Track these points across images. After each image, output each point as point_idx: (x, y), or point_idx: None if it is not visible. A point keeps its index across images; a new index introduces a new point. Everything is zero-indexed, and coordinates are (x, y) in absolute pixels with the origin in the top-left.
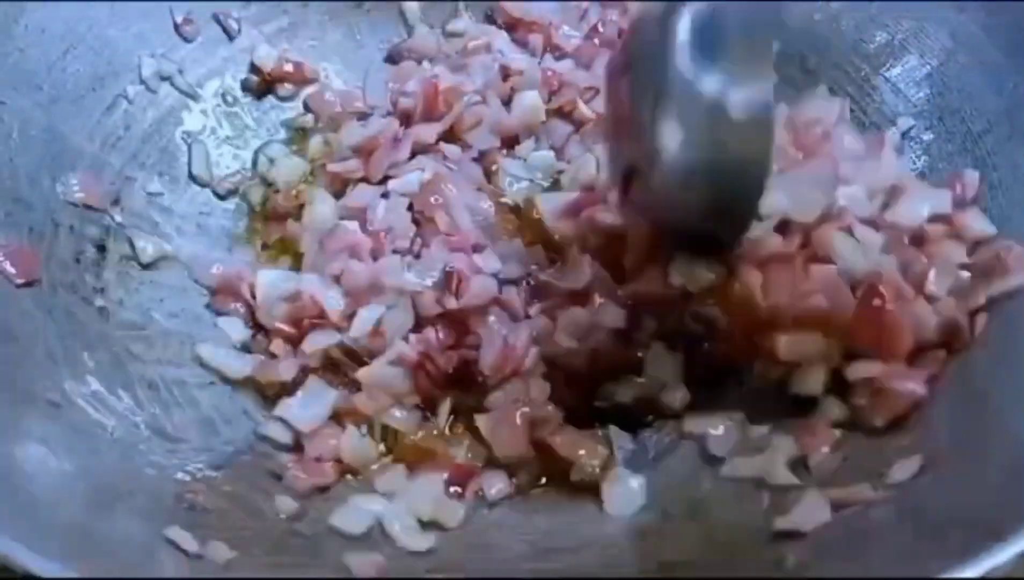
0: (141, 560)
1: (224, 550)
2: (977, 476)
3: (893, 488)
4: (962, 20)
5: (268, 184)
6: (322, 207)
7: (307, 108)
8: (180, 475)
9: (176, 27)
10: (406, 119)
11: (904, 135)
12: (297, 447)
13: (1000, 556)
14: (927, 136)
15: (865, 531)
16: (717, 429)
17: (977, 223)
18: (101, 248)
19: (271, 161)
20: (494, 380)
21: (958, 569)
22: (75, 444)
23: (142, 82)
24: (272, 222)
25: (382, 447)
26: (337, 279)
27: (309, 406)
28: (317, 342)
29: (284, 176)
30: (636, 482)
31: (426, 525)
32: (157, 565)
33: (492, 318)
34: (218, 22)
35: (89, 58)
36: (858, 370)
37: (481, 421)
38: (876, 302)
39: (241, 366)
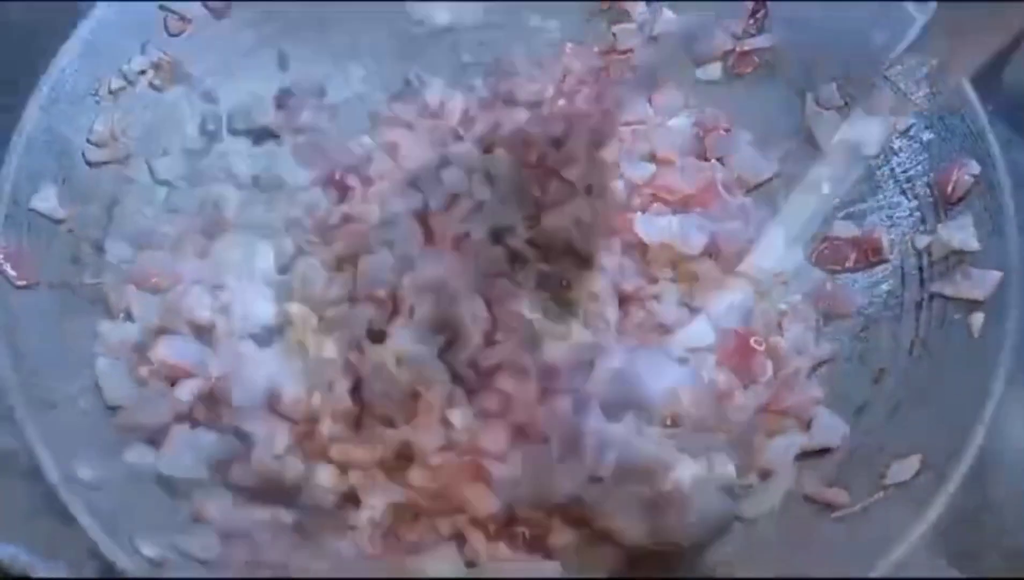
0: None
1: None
2: (975, 475)
3: (892, 488)
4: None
5: None
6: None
7: None
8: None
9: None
10: None
11: (904, 134)
12: None
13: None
14: (927, 135)
15: (864, 531)
16: None
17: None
18: (100, 249)
19: None
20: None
21: (955, 569)
22: (73, 445)
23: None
24: None
25: None
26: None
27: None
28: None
29: None
30: None
31: None
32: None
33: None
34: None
35: (90, 59)
36: None
37: None
38: None
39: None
